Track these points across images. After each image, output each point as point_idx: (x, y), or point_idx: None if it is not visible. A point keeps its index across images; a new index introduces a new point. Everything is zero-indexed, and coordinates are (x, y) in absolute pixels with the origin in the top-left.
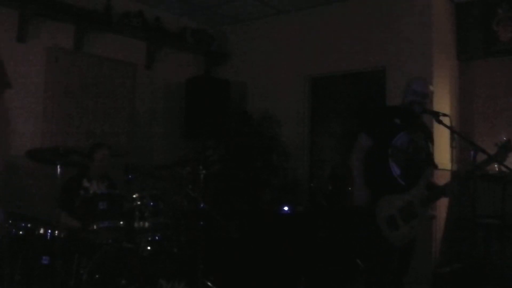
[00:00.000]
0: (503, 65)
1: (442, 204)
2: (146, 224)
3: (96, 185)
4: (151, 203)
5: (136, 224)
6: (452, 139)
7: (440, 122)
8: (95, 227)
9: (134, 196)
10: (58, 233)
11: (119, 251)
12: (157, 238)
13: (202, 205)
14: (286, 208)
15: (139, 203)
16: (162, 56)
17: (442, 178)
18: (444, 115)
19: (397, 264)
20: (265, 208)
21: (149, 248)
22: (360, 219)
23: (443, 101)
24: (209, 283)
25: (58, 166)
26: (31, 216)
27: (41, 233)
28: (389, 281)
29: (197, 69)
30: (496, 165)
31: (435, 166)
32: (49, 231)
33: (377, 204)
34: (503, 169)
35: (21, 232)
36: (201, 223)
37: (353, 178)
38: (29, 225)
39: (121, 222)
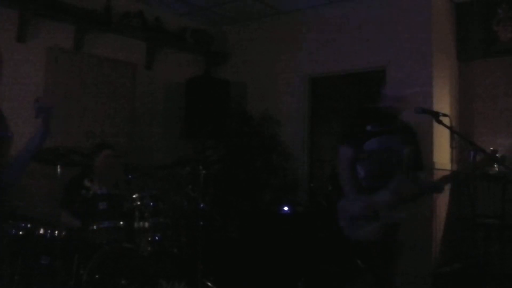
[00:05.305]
0: (503, 65)
1: (442, 204)
2: (146, 224)
3: (98, 185)
4: (151, 203)
5: (136, 224)
6: (452, 139)
7: (440, 122)
8: (95, 227)
9: (134, 196)
10: (58, 233)
11: (119, 251)
12: (157, 238)
13: (202, 205)
14: (286, 208)
15: (139, 203)
16: (162, 56)
17: None
18: (444, 115)
19: (374, 263)
20: (265, 208)
21: (149, 248)
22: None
23: (443, 101)
24: (209, 283)
25: (58, 166)
26: (31, 216)
27: (41, 233)
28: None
29: (197, 69)
30: (496, 165)
31: (416, 168)
32: (49, 231)
33: (339, 204)
34: (503, 169)
35: (21, 232)
36: (201, 223)
37: (345, 191)
38: (29, 225)
39: (121, 222)
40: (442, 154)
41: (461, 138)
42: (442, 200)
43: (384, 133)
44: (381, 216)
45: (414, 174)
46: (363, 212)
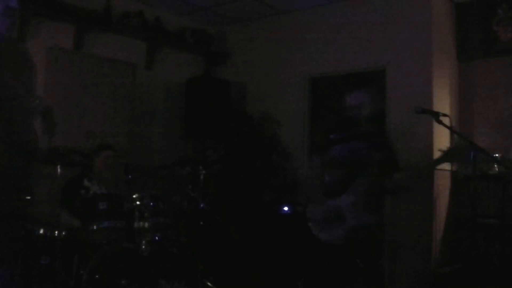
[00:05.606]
0: (503, 65)
1: (442, 204)
2: (146, 224)
3: (98, 185)
4: (151, 203)
5: (136, 224)
6: (452, 139)
7: (440, 122)
8: (95, 227)
9: (134, 196)
10: (58, 233)
11: (119, 251)
12: (157, 238)
13: (202, 205)
14: (286, 208)
15: (139, 203)
16: (162, 56)
17: (442, 178)
18: (444, 115)
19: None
20: (265, 208)
21: (149, 248)
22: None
23: (443, 101)
24: (209, 283)
25: (58, 166)
26: (31, 216)
27: (41, 233)
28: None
29: (197, 69)
30: (496, 165)
31: (389, 170)
32: (49, 231)
33: (307, 210)
34: (503, 169)
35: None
36: (201, 223)
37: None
38: (29, 225)
39: (121, 222)
40: None
41: (461, 138)
42: (442, 200)
43: (347, 140)
44: (346, 219)
45: (384, 177)
46: (328, 216)
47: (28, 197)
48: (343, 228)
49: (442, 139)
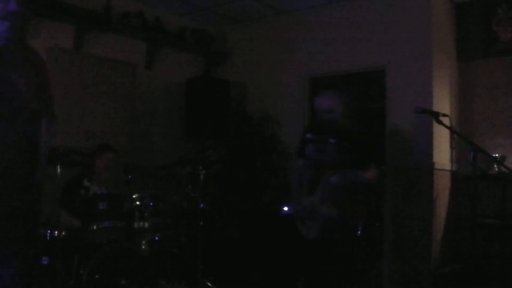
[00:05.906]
0: (503, 65)
1: (442, 204)
2: (146, 224)
3: (98, 185)
4: (151, 203)
5: (136, 224)
6: (452, 139)
7: (440, 122)
8: (95, 227)
9: (134, 196)
10: (58, 233)
11: (119, 251)
12: (157, 238)
13: (202, 205)
14: (286, 208)
15: (139, 203)
16: (162, 56)
17: (442, 178)
18: (444, 115)
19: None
20: (265, 208)
21: (149, 248)
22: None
23: (443, 101)
24: (209, 283)
25: (58, 166)
26: (34, 216)
27: (41, 233)
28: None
29: (197, 69)
30: (496, 165)
31: (360, 167)
32: (49, 231)
33: (292, 203)
34: (503, 169)
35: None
36: (201, 223)
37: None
38: (29, 225)
39: (121, 222)
40: (442, 154)
41: (461, 138)
42: (442, 200)
43: (321, 139)
44: (319, 212)
45: (353, 174)
46: (304, 211)
47: (34, 197)
48: (315, 223)
49: (442, 139)
